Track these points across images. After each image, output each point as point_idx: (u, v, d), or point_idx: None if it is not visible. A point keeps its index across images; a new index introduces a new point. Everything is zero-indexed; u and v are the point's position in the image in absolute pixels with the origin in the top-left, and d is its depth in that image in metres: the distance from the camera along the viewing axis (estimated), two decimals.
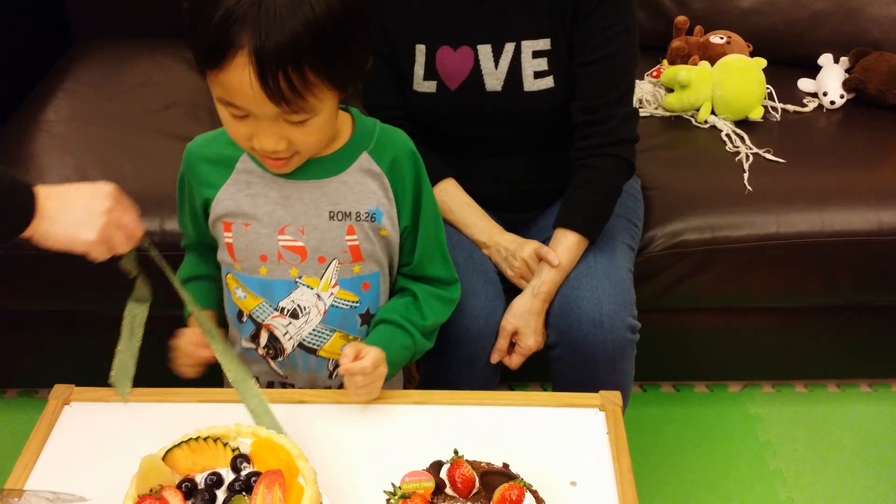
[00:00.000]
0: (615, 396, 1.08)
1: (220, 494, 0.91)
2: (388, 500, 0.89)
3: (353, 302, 1.14)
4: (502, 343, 1.34)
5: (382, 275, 1.16)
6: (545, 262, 1.34)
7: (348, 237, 1.09)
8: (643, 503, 0.97)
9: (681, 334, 1.85)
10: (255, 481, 0.90)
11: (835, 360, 1.92)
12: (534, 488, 0.91)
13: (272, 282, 1.12)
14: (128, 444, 1.03)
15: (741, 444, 1.82)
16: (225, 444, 0.95)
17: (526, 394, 1.11)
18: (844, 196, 1.69)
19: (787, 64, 2.04)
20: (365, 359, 1.04)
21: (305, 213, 1.08)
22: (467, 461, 0.92)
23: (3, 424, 1.91)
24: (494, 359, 1.34)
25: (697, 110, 1.91)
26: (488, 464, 0.93)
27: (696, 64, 1.95)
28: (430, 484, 0.89)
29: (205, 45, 0.91)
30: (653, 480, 1.72)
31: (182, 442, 0.95)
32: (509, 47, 1.36)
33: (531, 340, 1.33)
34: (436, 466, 0.92)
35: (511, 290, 1.40)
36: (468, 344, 1.32)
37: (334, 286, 1.12)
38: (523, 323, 1.33)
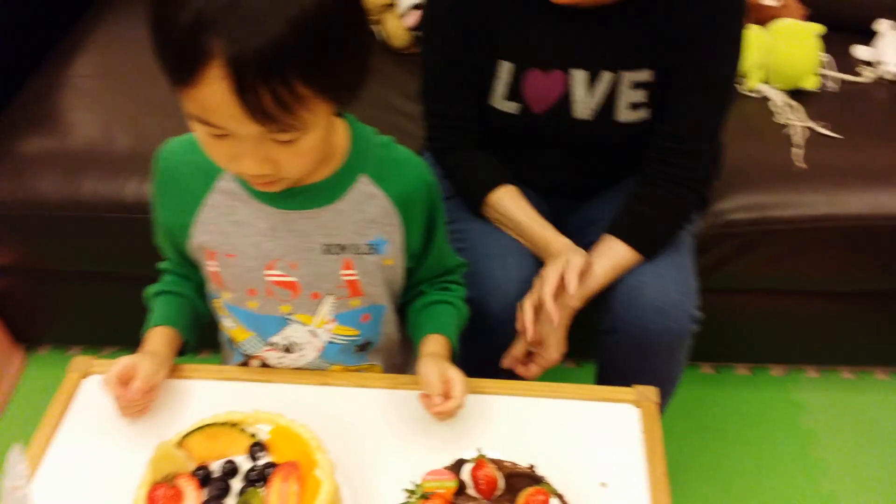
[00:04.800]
0: (651, 392, 1.03)
1: (235, 484, 0.89)
2: (407, 499, 0.86)
3: (352, 336, 1.08)
4: (520, 350, 1.26)
5: (388, 308, 1.09)
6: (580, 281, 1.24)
7: (345, 272, 0.99)
8: (675, 491, 0.93)
9: (723, 314, 1.78)
10: (270, 473, 0.86)
11: (885, 347, 1.84)
12: (560, 492, 0.86)
13: (262, 317, 1.05)
14: (146, 420, 1.02)
15: (782, 432, 1.76)
16: (242, 430, 0.92)
17: (556, 385, 1.06)
18: None
19: (842, 30, 1.90)
20: (456, 395, 0.96)
21: (296, 246, 0.97)
22: (491, 460, 0.88)
23: (35, 380, 1.93)
24: (506, 364, 1.27)
25: (745, 77, 1.81)
26: (513, 463, 0.89)
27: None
28: (452, 484, 0.85)
29: (171, 55, 0.76)
30: (687, 466, 1.68)
31: (198, 428, 0.92)
32: (606, 76, 1.26)
33: (556, 353, 1.27)
34: (458, 465, 0.88)
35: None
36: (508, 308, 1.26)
37: (331, 322, 1.05)
38: (550, 332, 1.25)
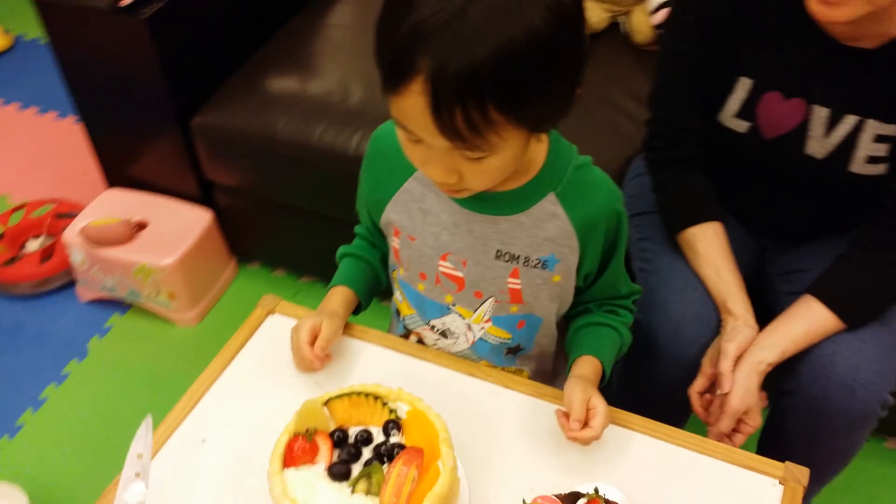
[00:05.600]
0: (801, 473, 0.96)
1: (366, 452, 0.94)
2: None
3: (504, 339, 1.10)
4: (726, 424, 1.16)
5: (546, 321, 1.09)
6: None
7: (511, 279, 1.02)
8: None
9: None
10: (397, 452, 0.91)
11: None
12: None
13: (427, 300, 1.10)
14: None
15: None
16: (384, 404, 0.97)
17: (702, 440, 1.02)
18: None
19: None
20: (595, 426, 0.96)
21: (471, 246, 1.01)
22: (606, 501, 0.87)
23: (241, 290, 2.14)
24: (715, 439, 1.15)
25: None
26: None
27: None
28: None
29: (385, 63, 0.80)
30: None
31: (345, 393, 0.98)
32: (850, 120, 1.17)
33: (759, 418, 1.18)
34: (572, 498, 0.88)
35: None
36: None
37: (487, 321, 1.08)
38: (753, 401, 1.17)
